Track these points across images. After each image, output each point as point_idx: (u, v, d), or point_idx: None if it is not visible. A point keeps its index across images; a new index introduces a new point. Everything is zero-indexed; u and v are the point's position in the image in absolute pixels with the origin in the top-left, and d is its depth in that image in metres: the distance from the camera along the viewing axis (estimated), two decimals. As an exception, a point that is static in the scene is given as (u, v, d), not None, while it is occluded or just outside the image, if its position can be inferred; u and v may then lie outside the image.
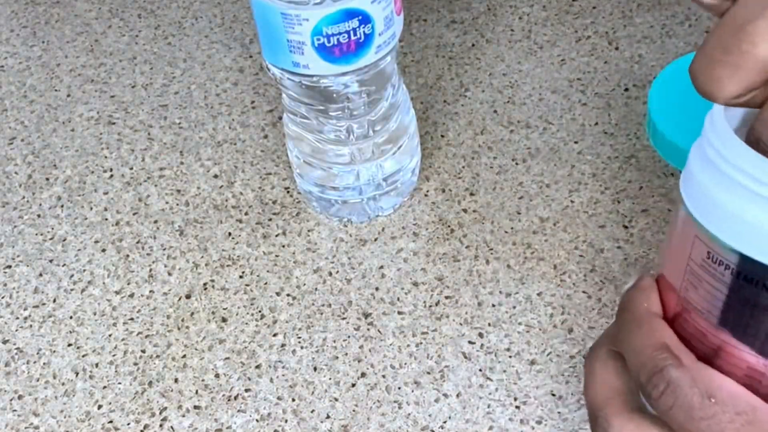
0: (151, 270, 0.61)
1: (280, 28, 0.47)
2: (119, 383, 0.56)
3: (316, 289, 0.58)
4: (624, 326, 0.35)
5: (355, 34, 0.47)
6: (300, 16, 0.46)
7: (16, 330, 0.59)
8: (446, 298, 0.57)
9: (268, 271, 0.60)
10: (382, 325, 0.56)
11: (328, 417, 0.53)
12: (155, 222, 0.64)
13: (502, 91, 0.69)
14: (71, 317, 0.59)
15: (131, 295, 0.60)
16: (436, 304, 0.57)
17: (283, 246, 0.61)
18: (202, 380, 0.55)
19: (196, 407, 0.54)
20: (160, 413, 0.54)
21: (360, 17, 0.47)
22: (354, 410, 0.53)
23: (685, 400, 0.32)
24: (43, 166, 0.68)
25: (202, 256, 0.61)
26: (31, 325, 0.59)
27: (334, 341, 0.56)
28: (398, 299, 0.58)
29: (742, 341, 0.31)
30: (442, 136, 0.66)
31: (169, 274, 0.61)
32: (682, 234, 0.31)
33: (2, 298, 0.61)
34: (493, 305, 0.57)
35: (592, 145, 0.65)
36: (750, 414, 0.31)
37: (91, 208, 0.65)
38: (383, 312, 0.57)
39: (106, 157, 0.68)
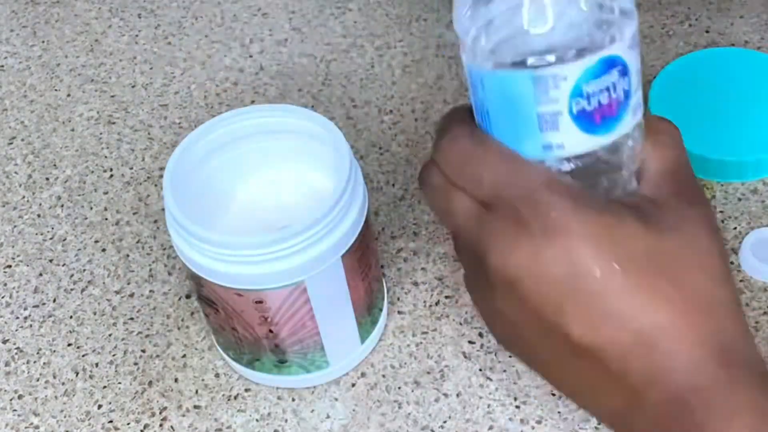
0: (151, 270, 0.61)
1: (529, 101, 0.37)
2: (119, 383, 0.56)
3: (316, 288, 0.58)
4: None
5: (615, 91, 0.37)
6: (557, 76, 0.36)
7: (16, 330, 0.59)
8: (446, 298, 0.57)
9: (268, 271, 0.60)
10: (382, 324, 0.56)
11: (328, 417, 0.53)
12: (155, 222, 0.64)
13: (502, 91, 0.69)
14: (71, 317, 0.59)
15: (131, 295, 0.60)
16: (436, 304, 0.57)
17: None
18: (202, 380, 0.55)
19: (196, 407, 0.54)
20: (160, 413, 0.54)
21: (620, 68, 0.37)
22: (354, 410, 0.53)
23: (461, 144, 0.39)
24: (43, 166, 0.68)
25: (202, 256, 0.61)
26: (31, 325, 0.59)
27: (334, 341, 0.56)
28: (398, 299, 0.58)
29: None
30: (442, 136, 0.66)
31: (169, 274, 0.61)
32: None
33: (2, 298, 0.61)
34: (493, 305, 0.57)
35: (592, 144, 0.65)
36: (509, 156, 0.38)
37: (91, 208, 0.65)
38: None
39: (106, 157, 0.68)
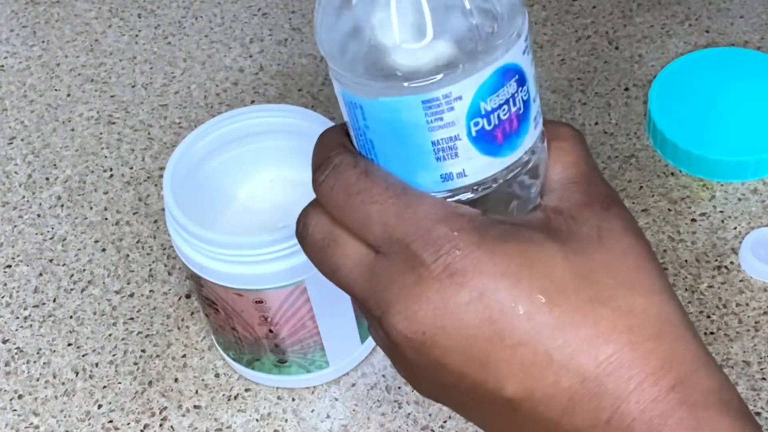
0: (151, 270, 0.61)
1: (420, 128, 0.32)
2: (119, 383, 0.56)
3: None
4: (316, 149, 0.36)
5: (514, 104, 0.33)
6: (451, 95, 0.32)
7: (16, 330, 0.59)
8: (446, 297, 0.57)
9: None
10: (382, 324, 0.56)
11: (328, 417, 0.53)
12: (155, 222, 0.64)
13: (502, 91, 0.69)
14: (71, 317, 0.59)
15: (131, 295, 0.60)
16: (436, 304, 0.57)
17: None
18: (202, 380, 0.55)
19: (196, 407, 0.54)
20: (160, 413, 0.54)
21: (516, 77, 0.33)
22: (354, 410, 0.53)
23: (344, 178, 0.33)
24: (43, 166, 0.68)
25: (202, 256, 0.61)
26: (31, 325, 0.59)
27: (334, 341, 0.56)
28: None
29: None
30: (442, 135, 0.66)
31: (169, 274, 0.61)
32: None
33: (2, 297, 0.61)
34: (493, 305, 0.57)
35: (592, 144, 0.65)
36: (399, 189, 0.33)
37: (91, 208, 0.65)
38: (383, 312, 0.57)
39: (106, 156, 0.68)
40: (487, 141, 0.33)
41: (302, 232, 0.35)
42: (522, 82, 0.33)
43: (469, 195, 0.34)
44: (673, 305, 0.33)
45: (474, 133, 0.33)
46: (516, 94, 0.33)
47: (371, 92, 0.32)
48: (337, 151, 0.34)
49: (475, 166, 0.33)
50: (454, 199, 0.33)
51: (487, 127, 0.33)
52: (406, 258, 0.32)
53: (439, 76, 0.31)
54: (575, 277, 0.31)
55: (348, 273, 0.33)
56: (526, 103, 0.34)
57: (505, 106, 0.33)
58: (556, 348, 0.31)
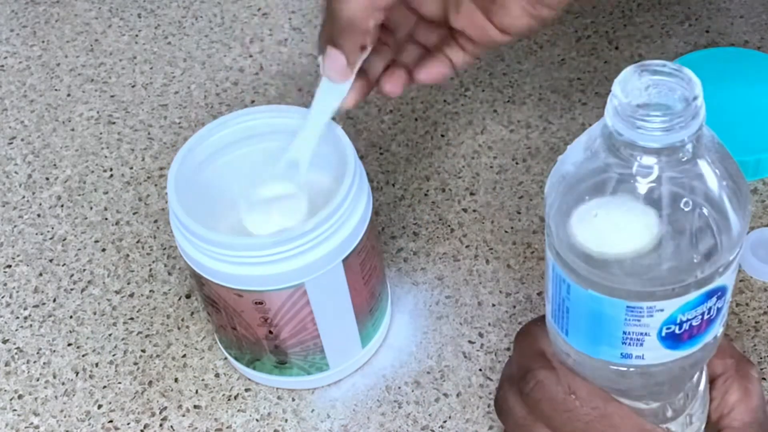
0: (151, 270, 0.61)
1: (618, 321, 0.35)
2: (119, 383, 0.56)
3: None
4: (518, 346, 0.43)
5: (709, 313, 0.35)
6: (654, 308, 0.34)
7: (16, 330, 0.59)
8: (446, 298, 0.57)
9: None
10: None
11: (328, 417, 0.53)
12: (155, 222, 0.64)
13: (502, 91, 0.69)
14: (71, 317, 0.59)
15: (131, 295, 0.60)
16: (436, 304, 0.57)
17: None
18: (202, 380, 0.55)
19: (196, 407, 0.54)
20: (160, 413, 0.54)
21: (719, 293, 0.35)
22: (354, 410, 0.53)
23: (550, 394, 0.39)
24: (43, 166, 0.68)
25: (202, 256, 0.61)
26: (31, 325, 0.59)
27: (334, 341, 0.56)
28: (398, 299, 0.58)
29: None
30: (442, 135, 0.67)
31: (169, 274, 0.61)
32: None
33: (2, 297, 0.61)
34: (493, 305, 0.57)
35: (592, 145, 0.65)
36: (602, 408, 0.38)
37: (91, 208, 0.65)
38: (383, 312, 0.57)
39: (106, 156, 0.68)
40: (673, 340, 0.36)
41: (505, 409, 0.42)
42: (723, 296, 0.35)
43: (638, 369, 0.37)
44: None
45: (663, 334, 0.35)
46: (713, 307, 0.35)
47: (581, 281, 0.35)
48: (540, 364, 0.40)
49: (654, 355, 0.36)
50: (624, 368, 0.37)
51: (677, 331, 0.35)
52: None
53: (648, 292, 0.34)
54: None
55: None
56: (719, 309, 0.36)
57: (700, 317, 0.35)
58: None
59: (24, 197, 0.66)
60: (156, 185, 0.66)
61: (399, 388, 0.54)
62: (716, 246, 0.34)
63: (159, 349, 0.57)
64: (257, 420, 0.53)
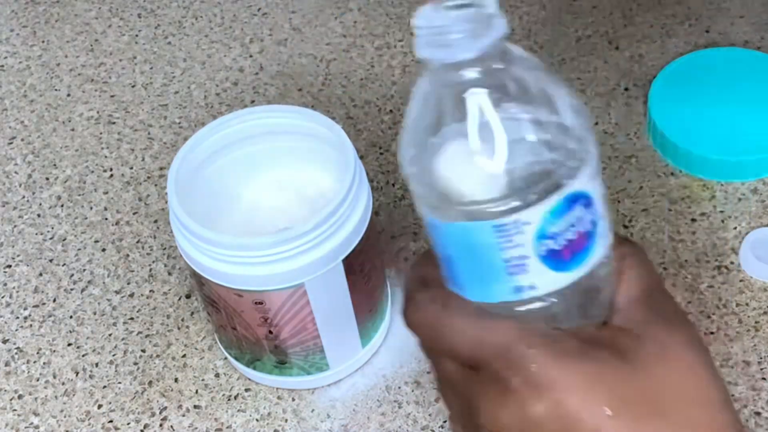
0: (151, 270, 0.61)
1: (493, 248, 0.36)
2: (119, 383, 0.56)
3: (316, 288, 0.58)
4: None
5: (580, 225, 0.36)
6: (519, 221, 0.35)
7: (16, 330, 0.59)
8: (446, 298, 0.57)
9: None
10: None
11: (328, 417, 0.53)
12: (155, 222, 0.64)
13: (502, 91, 0.69)
14: (71, 317, 0.59)
15: (131, 295, 0.60)
16: (436, 304, 0.57)
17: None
18: (202, 380, 0.55)
19: (196, 407, 0.54)
20: (160, 413, 0.54)
21: (584, 201, 0.36)
22: (354, 410, 0.53)
23: (425, 314, 0.38)
24: (43, 166, 0.68)
25: (202, 256, 0.61)
26: (31, 325, 0.59)
27: (334, 341, 0.56)
28: (398, 299, 0.58)
29: None
30: (442, 135, 0.66)
31: (169, 274, 0.61)
32: None
33: (2, 297, 0.61)
34: (493, 305, 0.57)
35: (592, 145, 0.65)
36: (476, 316, 0.37)
37: (91, 208, 0.65)
38: (383, 312, 0.57)
39: (106, 156, 0.68)
40: (555, 259, 0.36)
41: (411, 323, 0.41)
42: (589, 205, 0.36)
43: (539, 304, 0.37)
44: (728, 415, 0.36)
45: (542, 253, 0.35)
46: (583, 217, 0.36)
47: (446, 216, 0.36)
48: (417, 287, 0.40)
49: (545, 280, 0.36)
50: (525, 307, 0.37)
51: (555, 247, 0.35)
52: (490, 375, 0.36)
53: (508, 207, 0.34)
54: (638, 392, 0.35)
55: (447, 377, 0.39)
56: (594, 222, 0.36)
57: (572, 228, 0.35)
58: None
59: (24, 197, 0.66)
60: (156, 185, 0.66)
61: (399, 388, 0.54)
62: (551, 142, 0.35)
63: (159, 349, 0.57)
64: (257, 420, 0.53)
